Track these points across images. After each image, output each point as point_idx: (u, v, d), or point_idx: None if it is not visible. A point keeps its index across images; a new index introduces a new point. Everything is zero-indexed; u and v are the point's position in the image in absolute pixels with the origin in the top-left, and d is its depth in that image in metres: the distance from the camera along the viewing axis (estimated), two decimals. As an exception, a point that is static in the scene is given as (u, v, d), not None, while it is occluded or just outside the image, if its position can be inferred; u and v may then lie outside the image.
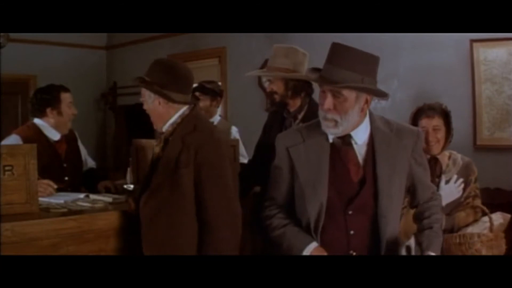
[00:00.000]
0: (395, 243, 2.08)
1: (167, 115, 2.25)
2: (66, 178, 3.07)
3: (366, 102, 2.01)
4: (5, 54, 5.77)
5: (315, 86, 2.49)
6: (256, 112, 5.01)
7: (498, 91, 3.90)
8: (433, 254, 2.02)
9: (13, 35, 5.86)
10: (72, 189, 3.00)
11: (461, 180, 2.70)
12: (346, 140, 2.04)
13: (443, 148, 2.74)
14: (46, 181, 2.64)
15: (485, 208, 2.65)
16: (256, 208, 2.33)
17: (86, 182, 3.23)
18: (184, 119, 2.24)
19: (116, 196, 2.68)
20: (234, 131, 4.16)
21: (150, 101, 2.26)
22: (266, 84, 2.90)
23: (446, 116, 2.74)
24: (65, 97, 3.16)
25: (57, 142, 3.15)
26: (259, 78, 5.16)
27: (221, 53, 5.81)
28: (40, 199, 2.37)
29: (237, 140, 3.56)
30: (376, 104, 3.86)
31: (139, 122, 5.64)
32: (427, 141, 2.69)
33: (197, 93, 3.85)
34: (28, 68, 6.36)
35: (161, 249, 2.13)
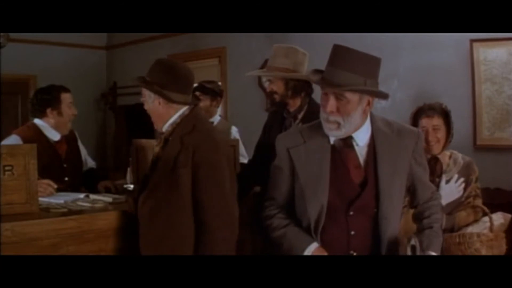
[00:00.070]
0: (395, 243, 2.09)
1: (166, 115, 2.26)
2: (66, 179, 3.07)
3: (368, 103, 2.01)
4: (5, 54, 5.77)
5: (315, 86, 2.49)
6: (256, 112, 5.02)
7: (498, 91, 3.90)
8: (433, 253, 2.02)
9: (13, 35, 5.86)
10: (72, 189, 2.99)
11: (461, 179, 2.70)
12: (347, 141, 2.04)
13: (444, 148, 2.74)
14: (46, 181, 2.64)
15: (485, 208, 2.66)
16: (256, 208, 2.33)
17: (86, 182, 3.23)
18: (183, 119, 2.24)
19: (116, 196, 2.68)
20: (234, 131, 4.16)
21: (151, 101, 2.26)
22: (266, 84, 2.90)
23: (446, 115, 2.75)
24: (65, 97, 3.16)
25: (57, 142, 3.15)
26: (259, 78, 5.16)
27: (221, 53, 5.81)
28: (40, 199, 2.37)
29: (237, 140, 3.56)
30: (376, 104, 3.81)
31: (139, 122, 5.64)
32: (427, 141, 2.69)
33: (197, 93, 3.85)
34: (28, 68, 6.36)
35: (157, 249, 2.12)
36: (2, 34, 5.77)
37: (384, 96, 2.03)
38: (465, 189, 2.72)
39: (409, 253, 2.06)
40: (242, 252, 2.49)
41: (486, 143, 3.93)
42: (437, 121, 2.72)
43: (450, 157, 2.79)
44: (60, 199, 2.52)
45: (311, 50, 2.90)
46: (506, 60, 3.84)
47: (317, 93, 2.19)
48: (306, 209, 2.04)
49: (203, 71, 5.68)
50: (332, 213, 2.01)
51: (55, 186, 2.70)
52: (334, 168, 2.03)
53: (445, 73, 4.11)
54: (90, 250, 2.21)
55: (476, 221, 2.70)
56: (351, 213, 2.02)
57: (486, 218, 2.62)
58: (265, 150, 2.80)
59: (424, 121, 2.74)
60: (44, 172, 2.60)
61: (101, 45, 7.23)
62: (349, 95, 1.94)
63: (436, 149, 2.73)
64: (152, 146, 2.51)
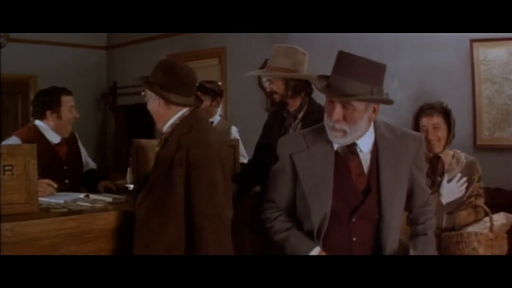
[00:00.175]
0: (397, 248, 2.08)
1: (166, 116, 2.26)
2: (67, 181, 3.06)
3: (374, 111, 1.99)
4: (5, 54, 5.77)
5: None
6: (256, 112, 5.02)
7: (498, 91, 3.90)
8: None
9: (13, 35, 5.86)
10: (72, 190, 2.98)
11: (464, 179, 2.70)
12: (351, 148, 2.02)
13: (445, 146, 2.75)
14: (46, 180, 2.64)
15: (486, 208, 2.66)
16: (256, 208, 2.32)
17: (87, 182, 3.23)
18: (183, 120, 2.24)
19: (116, 196, 2.68)
20: (234, 131, 4.16)
21: (152, 101, 2.27)
22: (266, 84, 2.90)
23: (446, 114, 2.75)
24: (66, 100, 3.13)
25: (57, 144, 3.13)
26: (259, 78, 5.16)
27: (221, 53, 5.81)
28: (40, 199, 2.37)
29: (237, 140, 3.56)
30: (376, 104, 3.85)
31: (139, 122, 5.68)
32: (428, 140, 2.70)
33: (197, 93, 3.85)
34: (28, 68, 6.37)
35: (149, 249, 2.12)
36: (2, 34, 5.77)
37: (389, 102, 2.01)
38: (467, 188, 2.72)
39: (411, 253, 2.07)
40: (242, 252, 2.49)
41: (486, 143, 3.93)
42: (437, 119, 2.73)
43: (453, 156, 2.79)
44: (60, 199, 2.52)
45: (311, 50, 2.90)
46: (506, 60, 3.84)
47: (317, 93, 2.18)
48: (308, 213, 2.03)
49: (203, 71, 5.68)
50: (335, 219, 2.00)
51: (55, 185, 2.70)
52: (338, 175, 2.01)
53: (445, 73, 4.11)
54: (90, 250, 2.21)
55: (477, 220, 2.70)
56: (354, 220, 2.01)
57: (487, 218, 2.62)
58: (265, 150, 2.80)
59: (425, 120, 2.75)
60: (44, 174, 2.59)
61: (101, 45, 7.23)
62: (355, 103, 1.92)
63: (437, 147, 2.73)
64: (152, 146, 2.51)
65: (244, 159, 3.64)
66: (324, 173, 2.01)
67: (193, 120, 2.23)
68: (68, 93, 3.18)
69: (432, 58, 4.17)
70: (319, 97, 2.22)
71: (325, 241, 2.02)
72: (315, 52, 2.94)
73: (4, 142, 2.99)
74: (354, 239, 2.02)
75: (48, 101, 3.10)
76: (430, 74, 4.17)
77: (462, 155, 2.80)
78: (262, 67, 4.53)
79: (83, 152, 3.39)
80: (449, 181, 2.70)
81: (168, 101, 2.22)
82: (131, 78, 6.13)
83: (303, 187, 2.04)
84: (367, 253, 2.03)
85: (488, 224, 2.59)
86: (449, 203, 2.69)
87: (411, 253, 2.07)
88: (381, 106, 2.03)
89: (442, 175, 2.73)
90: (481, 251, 2.51)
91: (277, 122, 2.86)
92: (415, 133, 2.20)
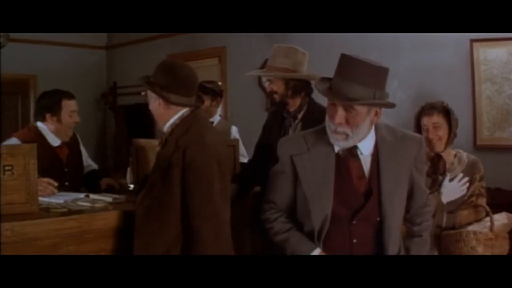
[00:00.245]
0: (397, 249, 2.08)
1: (166, 116, 2.26)
2: (67, 183, 3.02)
3: (376, 114, 1.98)
4: (5, 54, 5.77)
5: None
6: (256, 112, 5.01)
7: (498, 91, 3.90)
8: None
9: (13, 35, 5.85)
10: (72, 191, 2.98)
11: (466, 179, 2.70)
12: (352, 151, 2.01)
13: (446, 145, 2.75)
14: (46, 179, 2.63)
15: (486, 207, 2.66)
16: (256, 208, 2.32)
17: (88, 182, 3.22)
18: (182, 120, 2.24)
19: (116, 196, 2.68)
20: (234, 131, 4.16)
21: (153, 102, 2.28)
22: (266, 84, 2.90)
23: (447, 113, 2.75)
24: (67, 104, 3.09)
25: (58, 147, 3.11)
26: (259, 78, 5.16)
27: (221, 53, 5.81)
28: (40, 198, 2.37)
29: (237, 140, 3.56)
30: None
31: (139, 122, 5.67)
32: (428, 139, 2.70)
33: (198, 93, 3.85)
34: (28, 68, 6.36)
35: (149, 249, 2.12)
36: (2, 34, 5.77)
37: (391, 106, 2.00)
38: (468, 188, 2.72)
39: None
40: (242, 252, 2.49)
41: (486, 143, 3.93)
42: (437, 118, 2.73)
43: (455, 155, 2.79)
44: (60, 199, 2.52)
45: (311, 50, 2.90)
46: (506, 60, 3.84)
47: (317, 92, 2.17)
48: (308, 214, 2.02)
49: (203, 71, 5.67)
50: (335, 221, 2.00)
51: (56, 184, 2.69)
52: (339, 177, 2.01)
53: (445, 73, 4.10)
54: (90, 250, 2.21)
55: (478, 220, 2.70)
56: (354, 222, 2.01)
57: (488, 218, 2.62)
58: (265, 150, 2.80)
59: (425, 120, 2.76)
60: (44, 176, 2.58)
61: (101, 45, 7.23)
62: (358, 107, 1.91)
63: (438, 146, 2.73)
64: (152, 146, 2.51)
65: (244, 159, 3.64)
66: (325, 175, 2.00)
67: (192, 120, 2.23)
68: (70, 97, 3.13)
69: (432, 58, 4.17)
70: (319, 97, 2.22)
71: (325, 242, 2.02)
72: (315, 52, 2.94)
73: (4, 144, 2.99)
74: (355, 240, 2.01)
75: (49, 104, 3.07)
76: (430, 74, 4.17)
77: (464, 155, 2.81)
78: (262, 67, 4.53)
79: (84, 154, 3.37)
80: (450, 180, 2.70)
81: (167, 101, 2.22)
82: (131, 78, 6.14)
83: (303, 188, 2.04)
84: (367, 254, 2.02)
85: (489, 223, 2.59)
86: (450, 203, 2.69)
87: (404, 253, 2.08)
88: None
89: (443, 174, 2.73)
90: (480, 250, 2.51)
91: (277, 122, 2.87)
92: (416, 135, 2.19)
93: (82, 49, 6.91)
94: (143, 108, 2.34)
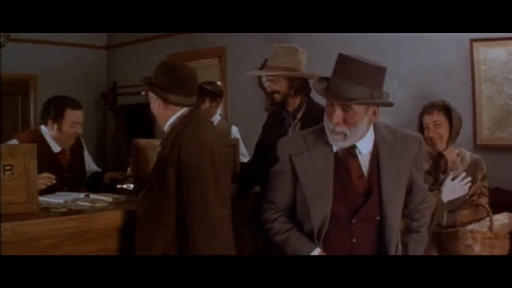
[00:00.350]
0: (396, 248, 2.08)
1: (165, 116, 2.27)
2: (66, 188, 2.97)
3: (374, 113, 1.98)
4: (5, 54, 5.76)
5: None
6: (256, 112, 5.01)
7: (498, 91, 3.90)
8: None
9: (13, 35, 5.85)
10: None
11: (468, 178, 2.70)
12: (350, 150, 2.01)
13: (448, 144, 2.74)
14: (45, 174, 2.63)
15: (487, 207, 2.66)
16: (256, 208, 2.32)
17: (91, 184, 3.20)
18: (181, 120, 2.24)
19: (116, 196, 2.68)
20: (235, 131, 4.17)
21: (153, 102, 2.28)
22: (266, 84, 2.89)
23: (447, 111, 2.75)
24: (71, 114, 3.03)
25: (58, 152, 3.09)
26: (259, 78, 5.16)
27: (221, 53, 5.81)
28: (40, 198, 2.37)
29: (237, 140, 3.56)
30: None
31: (139, 122, 5.68)
32: (429, 137, 2.71)
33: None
34: (28, 68, 6.36)
35: (150, 249, 2.12)
36: (2, 34, 5.76)
37: (389, 105, 2.01)
38: (470, 187, 2.72)
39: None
40: (242, 252, 2.49)
41: (486, 143, 3.93)
42: (437, 117, 2.73)
43: (458, 155, 2.80)
44: (60, 198, 2.52)
45: (311, 50, 2.91)
46: (506, 60, 3.84)
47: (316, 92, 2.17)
48: (308, 214, 2.02)
49: (203, 71, 5.67)
50: (335, 221, 2.00)
51: (54, 176, 2.68)
52: (338, 177, 2.01)
53: (445, 73, 4.10)
54: (90, 250, 2.21)
55: (479, 220, 2.69)
56: (354, 221, 2.01)
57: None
58: (265, 150, 2.80)
59: (426, 118, 2.77)
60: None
61: (101, 45, 7.23)
62: (356, 106, 1.91)
63: (440, 145, 2.73)
64: (152, 146, 2.52)
65: (245, 159, 3.64)
66: (324, 175, 2.00)
67: (189, 120, 2.23)
68: (76, 107, 3.06)
69: (432, 58, 4.17)
70: (317, 96, 2.22)
71: (325, 242, 2.02)
72: (315, 52, 2.95)
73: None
74: (354, 240, 2.02)
75: (52, 111, 3.03)
76: (430, 74, 4.17)
77: (467, 154, 2.81)
78: (262, 67, 4.53)
79: (88, 160, 3.34)
80: (452, 179, 2.69)
81: (167, 102, 2.23)
82: (131, 78, 6.14)
83: (303, 188, 2.04)
84: (367, 254, 2.03)
85: (489, 223, 2.59)
86: (451, 202, 2.69)
87: (401, 248, 2.09)
88: (381, 106, 2.03)
89: (444, 173, 2.73)
90: (477, 249, 2.50)
91: (276, 122, 2.87)
92: (415, 134, 2.19)
93: (82, 49, 6.91)
94: (143, 108, 2.35)
